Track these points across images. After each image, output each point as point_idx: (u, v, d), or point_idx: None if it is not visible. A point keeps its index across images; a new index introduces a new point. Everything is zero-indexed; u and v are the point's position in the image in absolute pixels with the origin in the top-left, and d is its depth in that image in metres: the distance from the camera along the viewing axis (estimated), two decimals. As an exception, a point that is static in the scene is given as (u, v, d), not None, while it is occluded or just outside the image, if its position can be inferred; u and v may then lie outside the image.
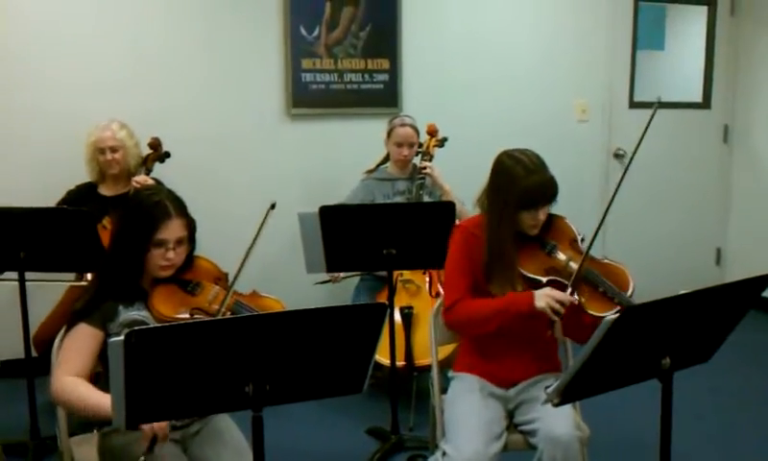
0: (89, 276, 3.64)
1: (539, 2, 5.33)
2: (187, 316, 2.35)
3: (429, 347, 2.87)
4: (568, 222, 2.73)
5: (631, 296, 2.51)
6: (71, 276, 3.86)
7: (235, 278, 2.44)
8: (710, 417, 3.98)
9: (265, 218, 2.41)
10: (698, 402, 4.01)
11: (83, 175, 4.05)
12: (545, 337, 2.57)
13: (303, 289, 4.04)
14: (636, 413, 3.38)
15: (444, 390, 2.78)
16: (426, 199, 4.11)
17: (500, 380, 2.68)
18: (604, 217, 2.54)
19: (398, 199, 4.18)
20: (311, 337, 1.84)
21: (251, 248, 2.39)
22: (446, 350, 3.23)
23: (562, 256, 2.62)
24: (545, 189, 2.56)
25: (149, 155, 4.07)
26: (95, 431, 2.41)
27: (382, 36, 4.91)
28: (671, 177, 5.78)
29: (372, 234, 3.33)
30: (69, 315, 2.32)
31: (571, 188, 4.45)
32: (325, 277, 3.99)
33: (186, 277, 2.45)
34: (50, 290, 3.87)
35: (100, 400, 2.11)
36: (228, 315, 2.38)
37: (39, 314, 3.86)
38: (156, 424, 2.06)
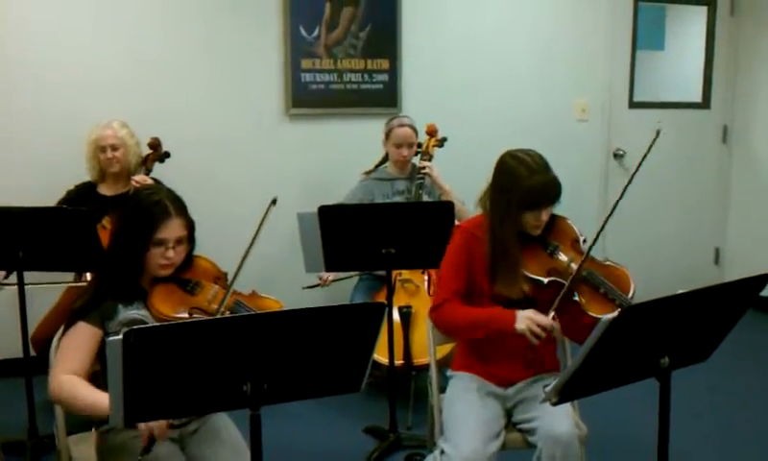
0: (88, 276, 3.64)
1: (538, 2, 5.33)
2: (186, 315, 2.35)
3: (427, 346, 2.87)
4: (570, 223, 2.73)
5: (632, 298, 2.51)
6: (70, 276, 3.85)
7: (234, 277, 2.44)
8: (708, 416, 3.98)
9: (266, 213, 2.41)
10: (696, 401, 4.02)
11: (82, 176, 4.05)
12: (545, 337, 2.58)
13: (302, 289, 4.05)
14: (634, 412, 3.38)
15: (442, 389, 2.79)
16: (426, 199, 4.11)
17: (498, 380, 2.69)
18: (605, 222, 2.54)
19: (398, 199, 4.18)
20: (309, 336, 1.84)
21: (252, 243, 2.39)
22: (445, 349, 3.23)
23: (563, 258, 2.62)
24: (549, 190, 2.56)
25: (149, 155, 4.08)
26: (93, 430, 2.41)
27: (382, 36, 4.91)
28: (670, 177, 5.78)
29: (371, 234, 3.33)
30: (68, 314, 2.33)
31: (571, 188, 4.43)
32: (314, 281, 4.00)
33: (186, 276, 2.45)
34: (49, 289, 3.87)
35: (96, 399, 2.11)
36: (228, 315, 2.38)
37: (38, 313, 3.86)
38: (153, 424, 2.06)
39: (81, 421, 2.55)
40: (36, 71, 4.34)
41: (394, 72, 4.96)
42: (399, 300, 3.94)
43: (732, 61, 5.92)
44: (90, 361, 2.27)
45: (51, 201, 3.88)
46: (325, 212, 3.30)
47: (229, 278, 2.52)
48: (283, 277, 4.04)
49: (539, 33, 5.33)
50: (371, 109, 4.91)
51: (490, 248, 2.62)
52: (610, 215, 2.58)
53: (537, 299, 2.57)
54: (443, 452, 2.47)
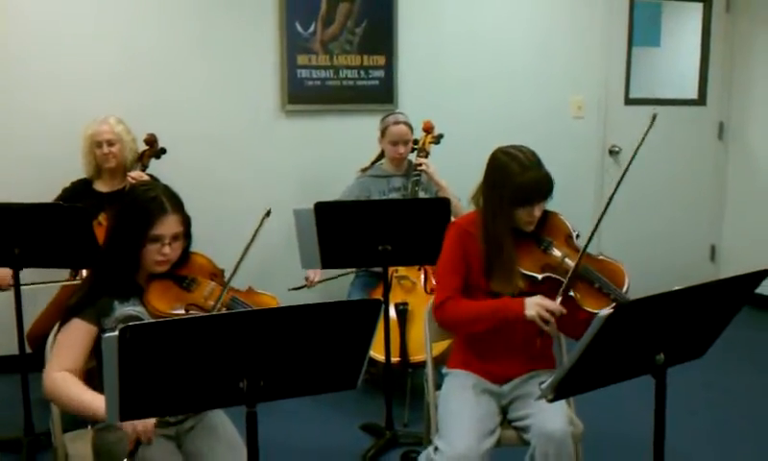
0: (84, 273, 3.64)
1: (535, -1, 5.34)
2: (182, 312, 2.35)
3: (424, 343, 2.87)
4: (563, 218, 2.73)
5: (627, 292, 2.52)
6: (65, 273, 3.85)
7: (231, 276, 2.44)
8: (704, 412, 3.99)
9: (260, 225, 2.40)
10: (692, 398, 4.03)
11: (79, 171, 4.05)
12: (536, 341, 2.58)
13: (298, 284, 4.05)
14: (630, 409, 3.38)
15: (438, 386, 2.79)
16: (422, 195, 4.11)
17: (494, 377, 2.69)
18: (600, 218, 2.54)
19: (394, 196, 4.18)
20: (306, 333, 1.84)
21: (245, 252, 2.39)
22: (441, 346, 3.23)
23: (557, 253, 2.62)
24: (541, 186, 2.57)
25: (145, 151, 4.08)
26: (89, 427, 2.41)
27: (378, 32, 4.91)
28: (666, 173, 5.79)
29: (368, 230, 3.32)
30: (63, 310, 2.32)
31: (566, 185, 4.44)
32: (300, 283, 4.00)
33: (182, 272, 2.45)
34: (44, 287, 3.86)
35: (85, 400, 2.12)
36: (224, 311, 2.38)
37: (34, 311, 3.85)
38: (140, 426, 2.05)
39: (77, 418, 2.55)
40: (32, 67, 4.33)
41: (390, 68, 4.96)
42: (396, 296, 3.94)
43: (727, 58, 5.92)
44: (85, 358, 2.27)
45: (47, 196, 3.87)
46: (322, 209, 3.30)
47: (226, 274, 2.52)
48: (280, 273, 4.04)
49: (535, 29, 5.33)
50: (367, 106, 4.91)
51: (484, 245, 2.62)
52: (605, 210, 2.58)
53: (532, 295, 2.57)
54: (437, 449, 2.47)
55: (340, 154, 4.76)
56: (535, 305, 2.48)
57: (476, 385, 2.66)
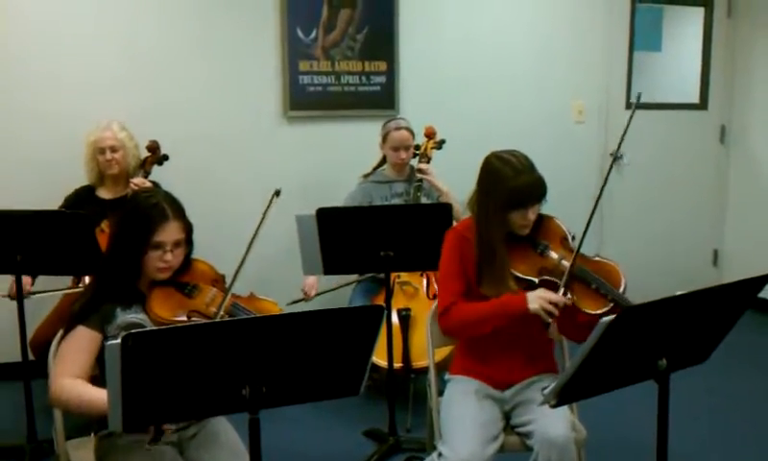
0: (87, 280, 3.64)
1: (535, 4, 5.33)
2: (185, 318, 2.35)
3: (426, 349, 2.87)
4: (559, 221, 2.73)
5: (623, 292, 2.52)
6: (68, 280, 3.85)
7: (233, 280, 2.44)
8: (707, 418, 3.98)
9: (269, 204, 2.40)
10: (694, 404, 4.01)
11: (80, 175, 4.05)
12: (542, 338, 2.58)
13: (299, 293, 4.04)
14: (633, 414, 3.38)
15: (441, 392, 2.78)
16: (424, 201, 4.11)
17: (496, 382, 2.69)
18: (592, 214, 2.54)
19: (396, 201, 4.18)
20: (308, 340, 1.84)
21: (254, 235, 2.39)
22: (444, 351, 3.23)
23: (554, 255, 2.62)
24: (534, 189, 2.57)
25: (147, 157, 4.09)
26: (92, 435, 2.40)
27: (379, 38, 4.91)
28: (668, 178, 5.79)
29: (370, 236, 3.32)
30: (67, 318, 2.32)
31: (567, 189, 4.48)
32: (298, 296, 3.99)
33: (184, 279, 2.45)
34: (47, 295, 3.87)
35: (96, 396, 2.10)
36: (226, 318, 2.38)
37: (36, 318, 3.85)
38: None
39: (80, 425, 2.55)
40: (32, 67, 4.33)
41: (391, 74, 4.96)
42: (398, 302, 3.94)
43: (729, 62, 5.93)
44: (91, 365, 2.26)
45: (48, 199, 3.85)
46: (324, 215, 3.30)
47: (227, 280, 2.52)
48: (281, 279, 4.03)
49: (536, 35, 5.33)
50: (368, 112, 4.91)
51: (477, 249, 2.63)
52: (597, 202, 2.57)
53: None
54: (440, 455, 2.47)
55: (342, 160, 4.76)
56: (537, 298, 2.48)
57: (479, 391, 2.65)
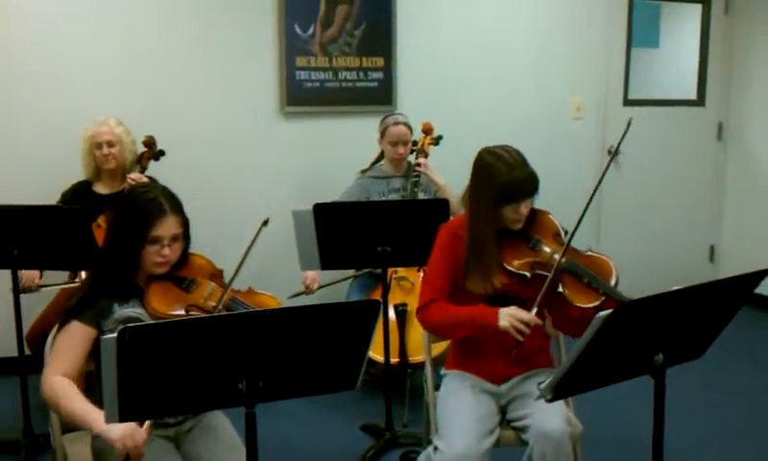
0: (83, 275, 3.64)
1: (534, 0, 5.33)
2: (182, 313, 2.35)
3: (423, 344, 2.87)
4: (552, 217, 2.74)
5: (615, 285, 2.52)
6: (64, 276, 3.85)
7: (232, 279, 2.43)
8: (703, 413, 3.99)
9: (257, 234, 2.40)
10: (691, 398, 4.03)
11: (79, 172, 4.05)
12: (538, 333, 2.59)
13: (298, 286, 4.04)
14: (630, 409, 3.39)
15: (437, 387, 2.79)
16: (422, 196, 4.11)
17: (492, 377, 2.69)
18: (585, 209, 2.54)
19: (394, 197, 4.18)
20: (305, 334, 1.84)
21: (243, 260, 2.38)
22: (440, 347, 3.23)
23: (546, 250, 2.63)
24: (526, 183, 2.58)
25: (144, 153, 4.09)
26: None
27: (377, 33, 4.91)
28: (665, 174, 5.79)
29: (367, 232, 3.33)
30: (63, 312, 2.32)
31: (566, 185, 4.49)
32: (300, 289, 3.99)
33: (181, 274, 2.45)
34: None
35: (76, 409, 2.11)
36: (224, 312, 2.37)
37: (33, 312, 3.85)
38: (129, 441, 2.01)
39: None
40: (32, 67, 4.34)
41: (389, 70, 4.96)
42: (395, 297, 3.94)
43: (726, 59, 5.93)
44: (83, 361, 2.26)
45: (47, 196, 3.85)
46: (321, 210, 3.30)
47: (225, 274, 2.51)
48: (279, 273, 4.03)
49: (534, 30, 5.33)
50: (366, 107, 4.91)
51: (468, 244, 2.63)
52: (591, 198, 2.57)
53: (509, 293, 2.59)
54: (436, 449, 2.47)
55: (339, 155, 4.76)
56: (508, 316, 2.48)
57: (475, 385, 2.66)
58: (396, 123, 4.17)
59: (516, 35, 5.29)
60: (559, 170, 4.88)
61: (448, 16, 5.10)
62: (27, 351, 3.57)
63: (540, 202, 2.71)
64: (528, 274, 2.58)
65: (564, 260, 2.51)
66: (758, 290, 2.13)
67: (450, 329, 2.65)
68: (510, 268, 2.59)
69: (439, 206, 3.37)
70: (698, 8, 5.89)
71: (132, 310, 2.32)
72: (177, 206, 2.37)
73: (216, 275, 2.54)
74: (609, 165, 2.64)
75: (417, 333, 3.75)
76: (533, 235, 2.66)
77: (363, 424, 3.78)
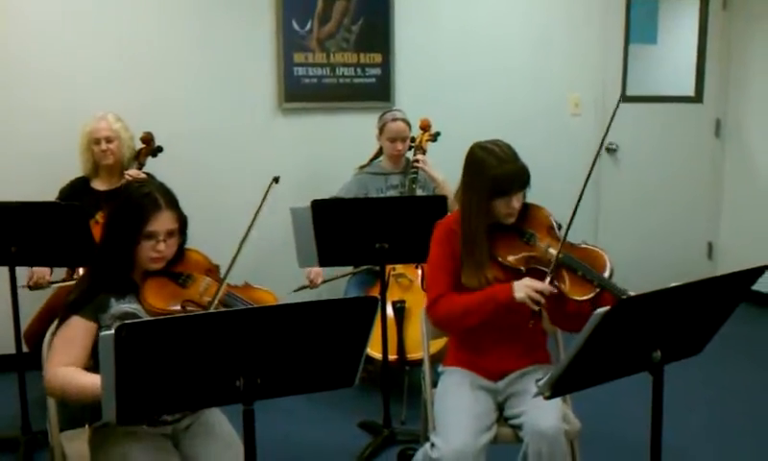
0: (81, 271, 3.63)
1: (531, -4, 5.34)
2: (179, 308, 2.34)
3: (421, 341, 2.87)
4: (546, 211, 2.74)
5: (610, 277, 2.53)
6: (62, 273, 3.84)
7: (228, 269, 2.43)
8: (701, 409, 3.99)
9: (267, 191, 2.39)
10: (689, 395, 4.03)
11: (77, 168, 4.04)
12: (535, 329, 2.58)
13: (296, 282, 4.05)
14: (628, 406, 3.38)
15: (435, 384, 2.79)
16: (420, 193, 4.11)
17: (489, 373, 2.69)
18: (578, 201, 2.53)
19: (392, 193, 4.18)
20: (302, 331, 1.84)
21: (252, 222, 2.38)
22: (438, 344, 3.23)
23: (541, 244, 2.63)
24: (517, 176, 2.58)
25: (141, 149, 4.09)
26: (86, 426, 2.40)
27: (375, 29, 4.90)
28: (663, 171, 5.79)
29: (365, 228, 3.32)
30: (62, 308, 2.31)
31: (563, 182, 4.47)
32: (297, 281, 3.99)
33: (177, 269, 2.44)
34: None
35: (89, 381, 2.09)
36: (221, 307, 2.37)
37: (30, 309, 3.84)
38: None
39: (74, 417, 2.54)
40: (32, 65, 4.35)
41: (387, 66, 4.96)
42: (393, 294, 3.94)
43: (724, 55, 5.93)
44: (86, 355, 2.24)
45: (47, 193, 3.87)
46: (318, 206, 3.29)
47: (221, 270, 2.51)
48: (276, 269, 4.03)
49: (531, 26, 5.33)
50: (364, 104, 4.90)
51: (462, 239, 2.63)
52: (583, 190, 2.57)
53: None
54: (433, 445, 2.47)
55: (337, 152, 4.75)
56: (524, 287, 2.49)
57: (472, 382, 2.66)
58: (395, 119, 4.16)
59: (515, 31, 5.28)
60: (557, 166, 4.87)
61: (446, 12, 5.09)
62: (25, 349, 3.57)
63: (537, 197, 2.72)
64: (523, 268, 2.58)
65: (561, 255, 2.51)
66: (756, 287, 2.13)
67: (465, 317, 2.62)
68: (505, 263, 2.59)
69: (436, 203, 3.37)
70: (696, 4, 5.88)
71: (128, 306, 2.31)
72: (172, 202, 2.37)
73: (212, 270, 2.53)
74: (599, 153, 2.62)
75: (415, 330, 3.76)
76: (527, 230, 2.67)
77: (361, 421, 3.78)
